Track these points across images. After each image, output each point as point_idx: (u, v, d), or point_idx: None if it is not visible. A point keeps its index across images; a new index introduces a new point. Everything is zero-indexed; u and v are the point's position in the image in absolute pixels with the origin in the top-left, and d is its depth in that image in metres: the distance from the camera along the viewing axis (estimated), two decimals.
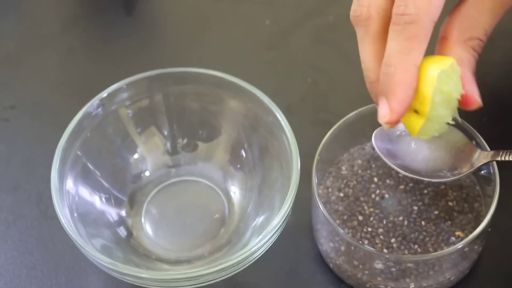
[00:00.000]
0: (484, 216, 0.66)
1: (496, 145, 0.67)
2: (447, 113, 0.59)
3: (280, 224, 0.64)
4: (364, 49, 0.60)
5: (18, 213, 0.74)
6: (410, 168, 0.65)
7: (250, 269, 0.68)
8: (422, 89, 0.58)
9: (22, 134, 0.79)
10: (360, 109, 0.70)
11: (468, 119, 0.68)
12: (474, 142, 0.68)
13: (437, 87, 0.57)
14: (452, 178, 0.65)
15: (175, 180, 0.74)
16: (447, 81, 0.58)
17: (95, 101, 0.70)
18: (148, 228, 0.72)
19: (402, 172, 0.64)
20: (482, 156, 0.65)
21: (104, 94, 0.70)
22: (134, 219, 0.72)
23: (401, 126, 0.65)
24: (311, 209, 0.69)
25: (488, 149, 0.67)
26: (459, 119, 0.62)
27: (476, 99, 0.60)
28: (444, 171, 0.65)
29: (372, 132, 0.72)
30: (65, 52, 0.85)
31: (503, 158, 0.63)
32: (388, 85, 0.57)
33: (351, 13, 0.60)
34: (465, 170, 0.65)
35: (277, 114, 0.69)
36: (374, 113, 0.70)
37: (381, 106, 0.59)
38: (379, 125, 0.71)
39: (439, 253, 0.63)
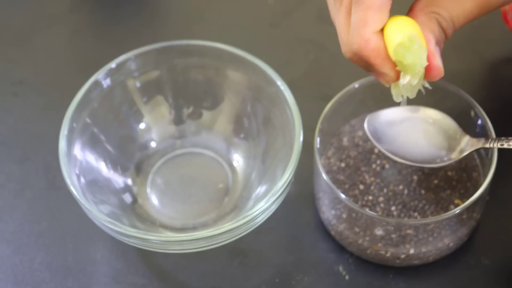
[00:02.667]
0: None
1: (499, 124, 0.69)
2: (407, 82, 0.58)
3: (282, 190, 0.66)
4: (339, 19, 0.60)
5: (26, 183, 0.76)
6: (400, 153, 0.66)
7: (253, 237, 0.70)
8: (389, 52, 0.57)
9: (30, 108, 0.80)
10: (360, 81, 0.71)
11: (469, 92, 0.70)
12: (472, 113, 0.69)
13: (396, 60, 0.57)
14: (442, 164, 0.66)
15: (180, 151, 0.75)
16: (404, 54, 0.56)
17: (103, 71, 0.71)
18: (154, 198, 0.73)
19: (392, 157, 0.65)
20: (470, 143, 0.66)
21: (112, 64, 0.72)
22: (140, 188, 0.73)
23: (392, 112, 0.67)
24: (313, 179, 0.71)
25: (489, 122, 0.68)
26: (428, 87, 0.60)
27: (440, 70, 0.58)
28: (435, 157, 0.66)
29: (372, 104, 0.73)
30: (73, 30, 0.86)
31: (491, 146, 0.64)
32: (363, 60, 0.58)
33: None
34: (455, 156, 0.66)
35: (280, 85, 0.70)
36: (374, 85, 0.72)
37: (376, 76, 0.60)
38: (379, 96, 0.73)
39: (438, 217, 0.65)
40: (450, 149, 0.66)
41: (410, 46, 0.56)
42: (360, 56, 0.58)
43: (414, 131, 0.67)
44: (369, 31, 0.57)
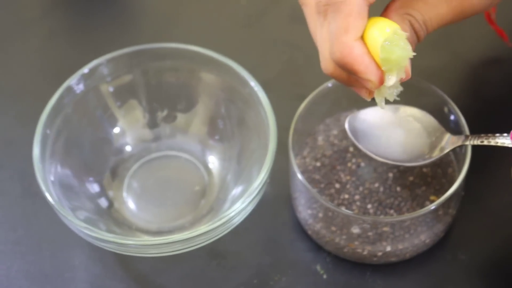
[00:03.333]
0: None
1: (473, 120, 0.69)
2: (394, 82, 0.57)
3: (258, 190, 0.66)
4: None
5: (1, 191, 0.75)
6: (382, 152, 0.66)
7: (230, 238, 0.70)
8: (373, 54, 0.57)
9: (4, 115, 0.80)
10: (333, 80, 0.71)
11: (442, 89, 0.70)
12: (446, 109, 0.70)
13: (383, 57, 0.56)
14: (423, 162, 0.66)
15: (155, 155, 0.75)
16: (392, 49, 0.56)
17: (76, 76, 0.71)
18: (130, 202, 0.73)
19: (374, 157, 0.66)
20: (451, 141, 0.66)
21: (85, 69, 0.72)
22: (116, 192, 0.73)
23: (372, 112, 0.67)
24: (289, 179, 0.71)
25: (463, 118, 0.69)
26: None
27: (406, 71, 0.57)
28: (416, 155, 0.66)
29: (346, 103, 0.74)
30: (45, 36, 0.86)
31: (471, 143, 0.65)
32: (347, 68, 0.57)
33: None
34: (436, 154, 0.66)
35: (253, 86, 0.70)
36: None
37: (358, 89, 0.59)
38: (354, 96, 0.73)
39: (414, 214, 0.65)
40: (432, 147, 0.66)
41: (396, 39, 0.56)
42: (343, 65, 0.57)
43: (395, 130, 0.67)
44: (352, 38, 0.56)
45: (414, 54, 0.56)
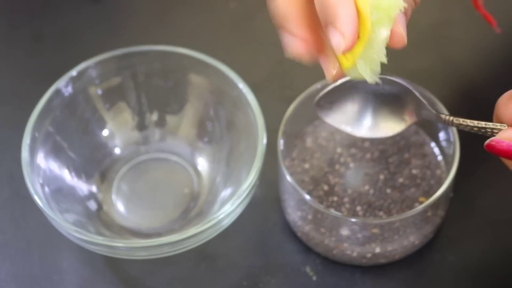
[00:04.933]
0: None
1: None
2: (386, 36, 0.52)
3: (247, 192, 0.66)
4: None
5: None
6: (355, 126, 0.62)
7: (219, 241, 0.70)
8: (359, 7, 0.51)
9: None
10: (322, 81, 0.72)
11: (430, 90, 0.70)
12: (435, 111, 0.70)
13: (373, 4, 0.51)
14: (396, 131, 0.61)
15: (145, 157, 0.75)
16: None
17: (64, 79, 0.71)
18: (120, 204, 0.73)
19: (349, 132, 0.62)
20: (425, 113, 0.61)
21: (73, 72, 0.72)
22: (105, 195, 0.73)
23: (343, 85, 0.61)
24: (278, 181, 0.71)
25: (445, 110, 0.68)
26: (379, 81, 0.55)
27: (402, 37, 0.53)
28: (390, 127, 0.62)
29: None
30: (34, 38, 0.86)
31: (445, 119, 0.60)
32: (328, 12, 0.51)
33: None
34: (409, 122, 0.61)
35: (242, 88, 0.70)
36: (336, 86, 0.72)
37: (332, 36, 0.51)
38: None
39: (403, 215, 0.65)
40: (406, 116, 0.62)
41: None
42: (328, 11, 0.51)
43: (367, 102, 0.62)
44: None
45: (405, 5, 0.52)
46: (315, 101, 0.61)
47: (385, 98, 0.61)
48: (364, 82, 0.54)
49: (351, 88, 0.61)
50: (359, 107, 0.62)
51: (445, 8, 0.85)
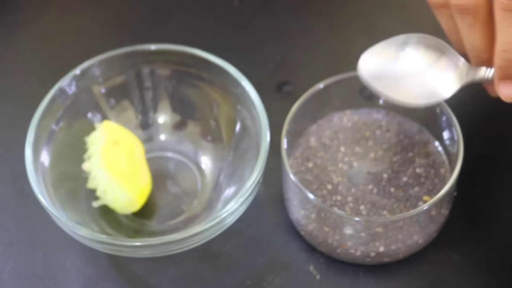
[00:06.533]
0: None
1: (465, 120, 0.69)
2: None
3: (250, 190, 0.66)
4: (475, 34, 0.63)
5: None
6: (399, 92, 0.64)
7: (223, 239, 0.70)
8: None
9: None
10: (325, 81, 0.72)
11: None
12: (438, 109, 0.70)
13: None
14: (442, 99, 0.65)
15: (148, 155, 0.75)
16: None
17: (68, 77, 0.71)
18: None
19: (390, 98, 0.63)
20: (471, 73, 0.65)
21: (77, 71, 0.72)
22: None
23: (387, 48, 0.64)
24: (281, 180, 0.71)
25: (454, 118, 0.68)
26: None
27: None
28: (435, 94, 0.65)
29: (339, 103, 0.74)
30: (38, 37, 0.86)
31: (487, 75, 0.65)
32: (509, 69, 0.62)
33: (454, 2, 0.62)
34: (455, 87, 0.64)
35: (245, 86, 0.70)
36: (339, 84, 0.72)
37: (505, 88, 0.63)
38: (347, 96, 0.74)
39: (406, 214, 0.65)
40: (449, 82, 0.65)
41: None
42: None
43: (414, 68, 0.64)
44: None
45: None
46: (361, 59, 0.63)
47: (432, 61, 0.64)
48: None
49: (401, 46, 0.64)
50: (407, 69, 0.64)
51: None
